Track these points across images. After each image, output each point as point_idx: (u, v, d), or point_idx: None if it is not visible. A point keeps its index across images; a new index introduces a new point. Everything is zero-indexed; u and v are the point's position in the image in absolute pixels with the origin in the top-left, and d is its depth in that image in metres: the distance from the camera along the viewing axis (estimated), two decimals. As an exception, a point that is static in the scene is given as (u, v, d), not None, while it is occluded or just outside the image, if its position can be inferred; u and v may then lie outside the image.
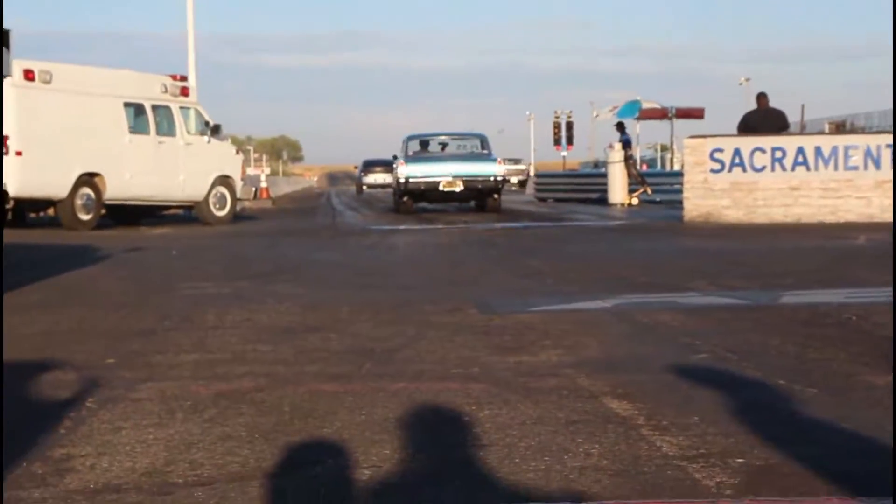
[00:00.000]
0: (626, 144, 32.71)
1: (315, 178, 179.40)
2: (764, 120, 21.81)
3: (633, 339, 7.45)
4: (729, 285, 10.51)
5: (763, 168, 20.92)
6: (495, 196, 29.99)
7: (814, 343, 7.02)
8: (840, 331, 7.51)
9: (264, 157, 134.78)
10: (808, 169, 20.86)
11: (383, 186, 59.69)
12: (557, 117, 74.74)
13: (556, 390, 5.68)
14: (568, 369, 6.26)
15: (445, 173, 29.35)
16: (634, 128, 55.58)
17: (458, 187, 29.27)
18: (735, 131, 21.95)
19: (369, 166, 66.57)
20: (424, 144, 31.99)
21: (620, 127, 33.57)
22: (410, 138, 31.76)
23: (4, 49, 11.53)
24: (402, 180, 29.62)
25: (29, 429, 4.93)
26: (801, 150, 20.91)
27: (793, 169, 20.87)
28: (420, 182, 29.46)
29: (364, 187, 64.03)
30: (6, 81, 18.89)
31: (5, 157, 20.38)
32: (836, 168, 20.82)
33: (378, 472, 4.20)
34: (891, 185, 20.04)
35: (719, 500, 3.80)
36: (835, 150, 20.91)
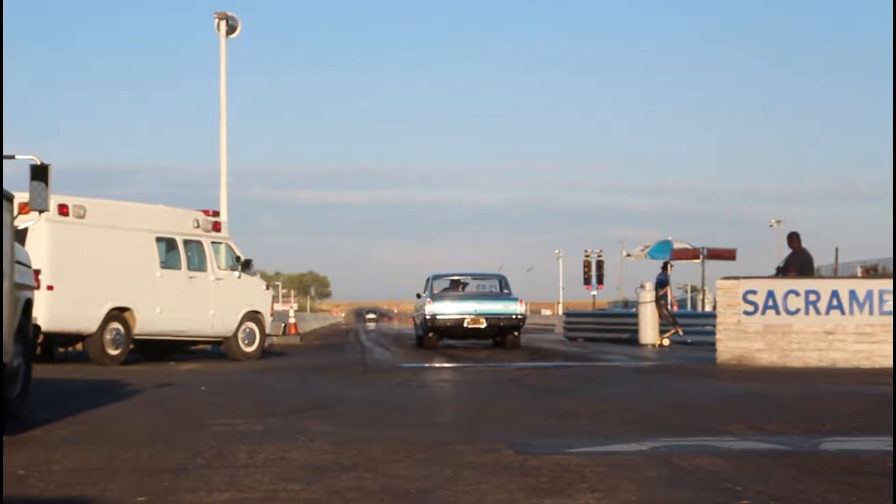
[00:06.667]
0: (661, 284, 32.75)
1: (342, 315, 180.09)
2: (807, 262, 21.92)
3: (672, 483, 7.30)
4: (767, 429, 10.35)
5: (797, 311, 20.75)
6: (516, 333, 31.22)
7: (858, 492, 6.86)
8: (884, 480, 7.33)
9: (292, 292, 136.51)
10: (842, 313, 20.66)
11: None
12: (588, 256, 74.98)
13: (597, 536, 5.54)
14: (608, 514, 6.12)
15: (470, 311, 30.92)
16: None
17: (482, 324, 30.59)
18: (769, 273, 21.92)
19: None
20: (448, 283, 33.24)
21: (665, 266, 33.75)
22: (435, 277, 33.27)
23: (43, 185, 11.61)
24: (428, 317, 30.79)
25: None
26: (835, 294, 20.74)
27: (827, 312, 20.67)
28: (446, 319, 30.87)
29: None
30: (41, 217, 19.04)
31: (36, 292, 20.49)
32: (871, 312, 20.58)
33: None
34: None
35: None
36: (870, 293, 20.69)
